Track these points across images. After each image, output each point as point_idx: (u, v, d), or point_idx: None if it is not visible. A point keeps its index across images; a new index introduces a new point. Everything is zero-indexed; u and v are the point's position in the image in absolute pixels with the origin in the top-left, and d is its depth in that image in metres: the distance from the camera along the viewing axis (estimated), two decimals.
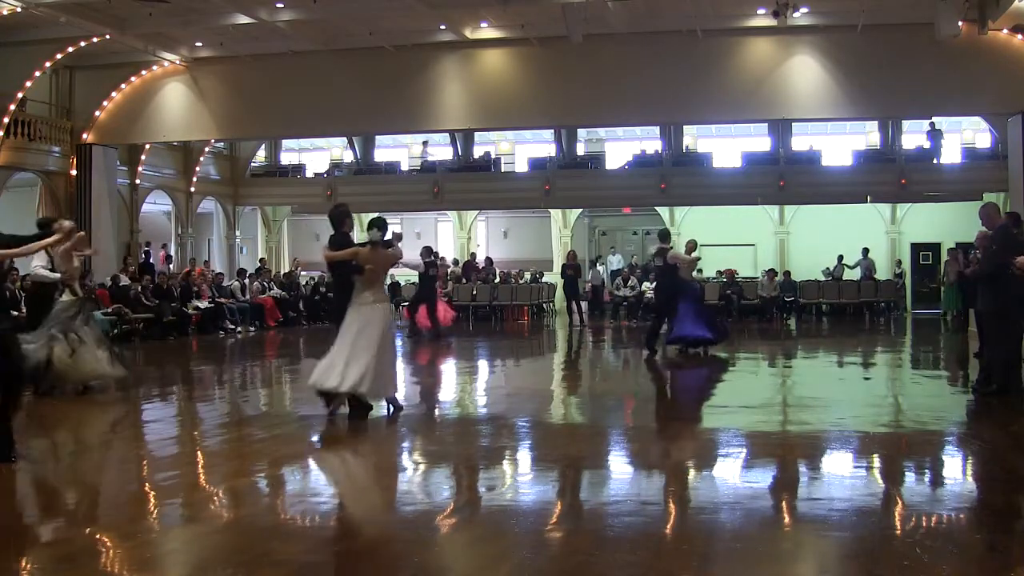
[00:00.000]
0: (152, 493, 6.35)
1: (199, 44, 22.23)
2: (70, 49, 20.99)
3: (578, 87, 21.28)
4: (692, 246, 14.97)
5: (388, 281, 10.12)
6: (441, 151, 28.86)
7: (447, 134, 27.62)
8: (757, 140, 26.96)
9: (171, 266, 25.11)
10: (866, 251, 25.38)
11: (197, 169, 26.36)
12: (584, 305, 24.23)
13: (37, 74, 21.19)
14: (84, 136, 22.70)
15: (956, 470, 7.06)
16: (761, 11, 19.48)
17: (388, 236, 9.42)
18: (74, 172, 22.48)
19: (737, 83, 20.88)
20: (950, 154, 25.37)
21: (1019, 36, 19.08)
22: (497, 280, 26.26)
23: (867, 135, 27.55)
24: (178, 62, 22.89)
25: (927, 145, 24.87)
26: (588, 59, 20.82)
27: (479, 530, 5.42)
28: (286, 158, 30.74)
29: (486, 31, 21.36)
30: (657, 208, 27.59)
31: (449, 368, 14.87)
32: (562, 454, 7.49)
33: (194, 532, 5.38)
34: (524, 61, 21.91)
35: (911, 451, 7.49)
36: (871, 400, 10.34)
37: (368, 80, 22.06)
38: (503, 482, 6.72)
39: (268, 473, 6.92)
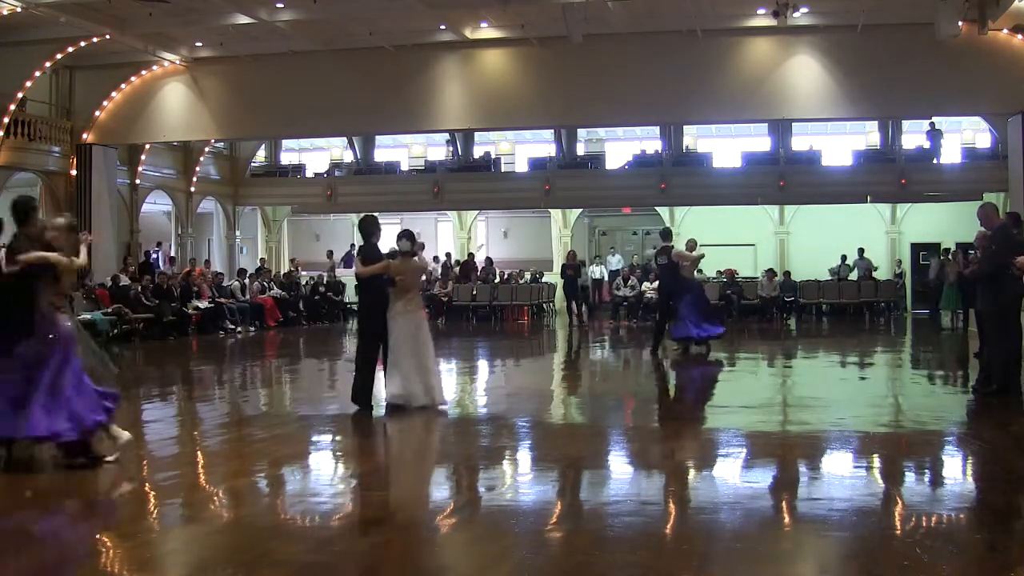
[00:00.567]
0: (152, 493, 6.35)
1: (199, 44, 22.23)
2: (70, 49, 20.98)
3: (578, 87, 21.27)
4: (692, 245, 15.00)
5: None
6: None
7: (447, 134, 27.64)
8: (757, 140, 26.96)
9: (172, 267, 25.11)
10: (861, 251, 25.36)
11: (197, 169, 26.36)
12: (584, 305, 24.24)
13: (37, 74, 21.19)
14: (84, 136, 22.69)
15: (956, 470, 7.06)
16: (761, 11, 19.47)
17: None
18: (74, 172, 22.48)
19: (737, 83, 20.87)
20: (950, 154, 25.37)
21: (1019, 36, 19.07)
22: (497, 280, 26.27)
23: (867, 135, 27.55)
24: (178, 62, 22.88)
25: (927, 145, 24.87)
26: (588, 59, 20.82)
27: (479, 530, 5.42)
28: (286, 158, 30.74)
29: (486, 31, 21.35)
30: (657, 208, 27.59)
31: (449, 368, 14.86)
32: (562, 454, 7.50)
33: (194, 532, 5.38)
34: (524, 61, 21.90)
35: (911, 451, 7.49)
36: (871, 400, 10.34)
37: (368, 80, 22.06)
38: (503, 482, 6.72)
39: (268, 473, 6.92)
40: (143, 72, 23.09)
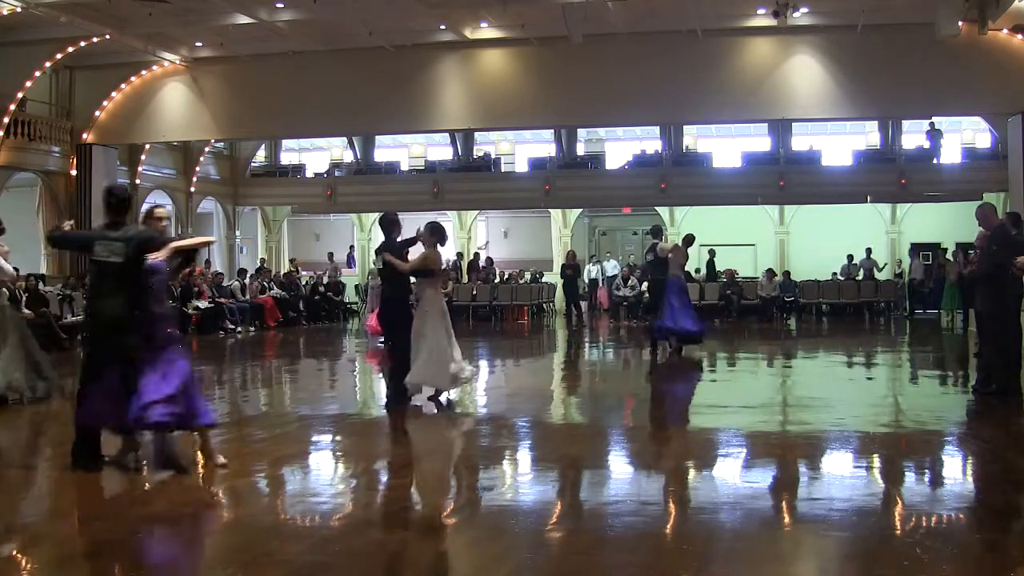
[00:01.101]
0: (152, 493, 6.35)
1: (199, 44, 22.23)
2: (70, 49, 20.99)
3: (578, 87, 21.27)
4: (689, 241, 14.94)
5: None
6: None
7: (447, 134, 27.65)
8: (757, 140, 26.97)
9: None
10: (869, 251, 25.36)
11: (197, 169, 26.36)
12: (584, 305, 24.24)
13: (37, 74, 21.19)
14: (84, 136, 22.70)
15: (956, 470, 7.06)
16: (761, 11, 19.48)
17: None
18: (74, 172, 22.49)
19: (737, 83, 20.87)
20: (950, 154, 25.37)
21: (1019, 36, 19.08)
22: (497, 280, 26.27)
23: (867, 135, 27.55)
24: (178, 62, 22.89)
25: (927, 145, 24.87)
26: (588, 59, 20.81)
27: (479, 530, 5.43)
28: (286, 158, 30.74)
29: (486, 31, 21.35)
30: (657, 208, 27.60)
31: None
32: (562, 454, 7.50)
33: (194, 532, 5.38)
34: (524, 61, 21.90)
35: (911, 451, 7.49)
36: (871, 400, 10.34)
37: (368, 80, 22.06)
38: (503, 482, 6.72)
39: (268, 473, 6.92)
40: (143, 72, 23.09)
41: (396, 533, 5.37)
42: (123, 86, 23.07)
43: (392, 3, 19.24)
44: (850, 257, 25.23)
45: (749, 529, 5.26)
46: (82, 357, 6.71)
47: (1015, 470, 6.75)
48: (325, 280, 25.92)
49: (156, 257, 6.60)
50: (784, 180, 24.55)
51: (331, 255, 27.88)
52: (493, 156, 28.19)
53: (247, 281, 22.80)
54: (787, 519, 5.63)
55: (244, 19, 19.64)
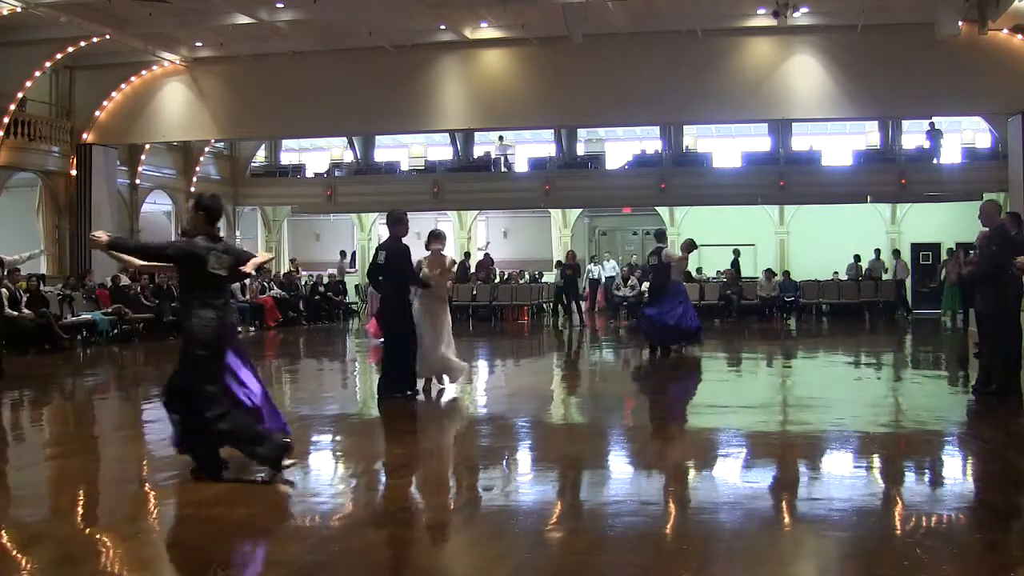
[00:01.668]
0: (152, 493, 6.35)
1: (199, 44, 22.24)
2: (70, 49, 21.00)
3: (578, 87, 21.28)
4: (689, 245, 14.96)
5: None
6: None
7: (447, 134, 27.65)
8: (757, 140, 26.98)
9: None
10: (878, 252, 25.27)
11: (197, 169, 26.38)
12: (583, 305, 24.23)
13: (37, 74, 21.20)
14: (84, 136, 22.70)
15: (956, 470, 7.05)
16: (761, 11, 19.49)
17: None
18: (74, 172, 22.50)
19: (737, 83, 20.88)
20: (950, 154, 25.37)
21: (1019, 36, 19.09)
22: (497, 280, 26.27)
23: (867, 135, 27.54)
24: (178, 62, 22.89)
25: (927, 145, 24.87)
26: (588, 59, 20.83)
27: (479, 530, 5.42)
28: (286, 158, 30.76)
29: (486, 31, 21.36)
30: (657, 208, 27.61)
31: None
32: (562, 454, 7.50)
33: (194, 532, 5.38)
34: (524, 61, 21.91)
35: (911, 451, 7.48)
36: (871, 400, 10.33)
37: (368, 80, 22.06)
38: (503, 482, 6.72)
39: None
40: (143, 72, 23.10)
41: (396, 533, 5.37)
42: (123, 86, 23.09)
43: (392, 3, 19.25)
44: (856, 257, 25.19)
45: (749, 529, 5.25)
46: (208, 371, 6.66)
47: (1015, 470, 6.75)
48: (334, 275, 25.98)
49: (243, 270, 6.78)
50: (784, 180, 24.56)
51: (343, 252, 27.94)
52: (493, 156, 27.94)
53: (247, 281, 22.77)
54: (787, 519, 5.63)
55: (244, 19, 19.65)
